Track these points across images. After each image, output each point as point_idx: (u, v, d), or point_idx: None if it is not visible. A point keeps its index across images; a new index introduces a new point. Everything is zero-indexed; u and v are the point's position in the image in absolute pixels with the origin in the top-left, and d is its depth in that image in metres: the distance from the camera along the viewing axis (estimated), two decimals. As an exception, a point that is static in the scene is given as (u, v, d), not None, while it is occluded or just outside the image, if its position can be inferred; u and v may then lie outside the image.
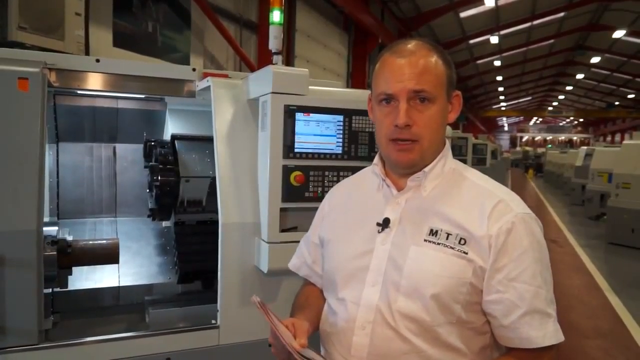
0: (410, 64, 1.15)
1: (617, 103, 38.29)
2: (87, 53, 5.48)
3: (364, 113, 2.11)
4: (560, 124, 62.36)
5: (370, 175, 1.34)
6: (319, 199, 2.09)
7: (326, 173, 2.09)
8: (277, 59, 2.11)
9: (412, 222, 1.18)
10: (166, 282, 2.75)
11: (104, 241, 2.34)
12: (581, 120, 54.39)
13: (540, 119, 61.07)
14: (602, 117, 44.22)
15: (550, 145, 44.21)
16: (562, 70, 32.63)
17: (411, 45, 1.18)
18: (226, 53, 8.76)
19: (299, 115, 2.02)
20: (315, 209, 2.11)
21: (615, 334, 4.76)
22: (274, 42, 2.11)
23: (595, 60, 25.70)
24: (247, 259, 2.15)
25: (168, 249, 2.88)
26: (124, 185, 2.97)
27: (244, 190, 2.18)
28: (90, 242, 2.30)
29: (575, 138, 55.66)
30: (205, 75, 2.42)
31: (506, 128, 66.92)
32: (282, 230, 2.07)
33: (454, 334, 1.13)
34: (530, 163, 34.26)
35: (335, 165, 2.11)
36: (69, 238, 2.26)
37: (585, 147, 15.62)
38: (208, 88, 2.34)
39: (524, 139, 63.23)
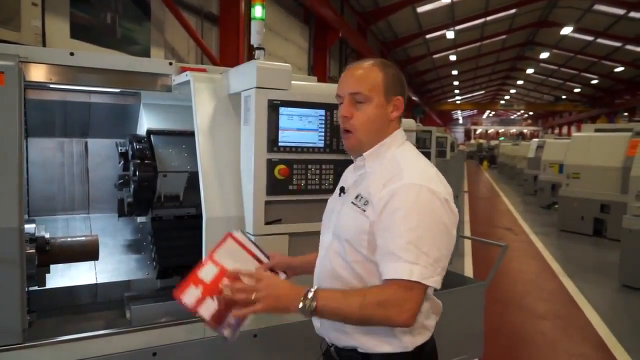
0: (351, 74, 1.53)
1: (564, 97, 39.85)
2: (43, 45, 5.29)
3: (345, 107, 2.16)
4: (512, 117, 64.38)
5: None
6: (303, 191, 2.16)
7: (309, 166, 2.14)
8: (260, 53, 2.13)
9: (353, 190, 1.56)
10: (144, 277, 2.73)
11: (83, 238, 2.31)
12: (531, 113, 56.29)
13: (493, 112, 62.83)
14: (550, 110, 45.88)
15: (502, 138, 45.65)
16: (514, 65, 33.65)
17: (362, 61, 1.56)
18: (187, 45, 8.61)
19: (282, 110, 2.05)
20: (299, 201, 2.17)
21: (571, 315, 5.02)
22: (257, 37, 2.13)
23: (544, 55, 26.64)
24: (230, 253, 2.17)
25: (145, 245, 2.85)
26: (96, 181, 2.92)
27: (226, 184, 2.19)
28: (69, 239, 2.27)
29: (525, 130, 57.60)
30: (183, 69, 2.41)
31: (461, 121, 68.53)
32: (267, 223, 2.10)
33: (364, 268, 1.48)
34: (485, 155, 35.30)
35: (317, 158, 2.15)
36: (47, 235, 2.21)
37: (536, 140, 16.23)
38: (186, 82, 2.33)
39: (478, 132, 64.99)
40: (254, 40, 2.14)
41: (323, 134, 2.15)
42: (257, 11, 2.13)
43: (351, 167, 1.68)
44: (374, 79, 1.51)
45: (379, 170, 1.52)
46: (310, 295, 1.35)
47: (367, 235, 1.45)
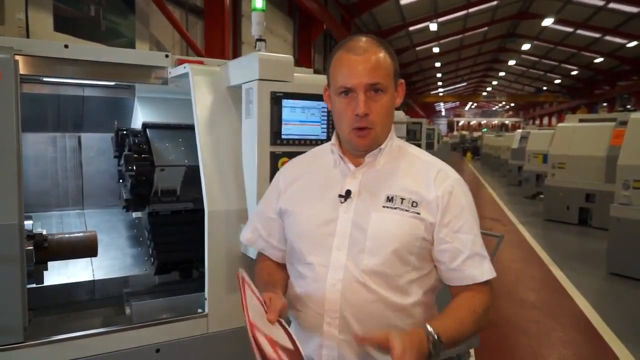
0: (364, 61, 1.31)
1: (545, 88, 40.36)
2: (27, 37, 5.17)
3: (347, 99, 2.14)
4: (494, 109, 64.98)
5: (324, 154, 1.50)
6: (306, 184, 2.14)
7: (312, 159, 2.12)
8: (261, 45, 2.10)
9: (370, 192, 1.37)
10: (142, 273, 2.69)
11: (81, 234, 2.26)
12: (512, 104, 56.87)
13: (475, 104, 63.36)
14: (531, 101, 46.44)
15: (485, 129, 46.04)
16: (496, 57, 33.93)
17: (362, 42, 1.34)
18: (172, 38, 8.50)
19: (285, 102, 2.03)
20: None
21: (562, 303, 5.10)
22: (257, 28, 2.10)
23: (525, 47, 26.89)
24: (233, 246, 2.15)
25: (141, 240, 2.82)
26: (90, 176, 2.87)
27: (228, 178, 2.17)
28: (67, 235, 2.22)
29: (507, 122, 58.16)
30: (181, 62, 2.37)
31: (443, 113, 68.94)
32: (270, 216, 2.08)
33: (410, 280, 1.35)
34: (468, 146, 35.57)
35: (320, 150, 2.13)
36: (44, 232, 2.17)
37: (520, 131, 16.41)
38: (183, 75, 2.30)
39: (460, 124, 65.45)
40: (255, 32, 2.11)
41: (325, 126, 2.14)
42: (258, 2, 2.10)
43: (327, 163, 1.46)
44: (387, 63, 1.33)
45: (400, 166, 1.39)
46: (433, 335, 1.19)
47: (420, 241, 1.32)
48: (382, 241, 1.31)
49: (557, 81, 36.55)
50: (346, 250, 1.33)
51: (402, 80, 1.42)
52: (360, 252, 1.32)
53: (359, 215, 1.34)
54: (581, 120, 9.66)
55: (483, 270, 1.34)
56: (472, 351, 3.53)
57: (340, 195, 1.37)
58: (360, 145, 1.36)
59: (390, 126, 1.41)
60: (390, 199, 1.34)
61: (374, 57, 1.31)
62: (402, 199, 1.33)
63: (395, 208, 1.33)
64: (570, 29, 22.88)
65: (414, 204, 1.33)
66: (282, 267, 1.54)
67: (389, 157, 1.41)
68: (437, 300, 1.48)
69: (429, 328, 1.20)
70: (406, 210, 1.32)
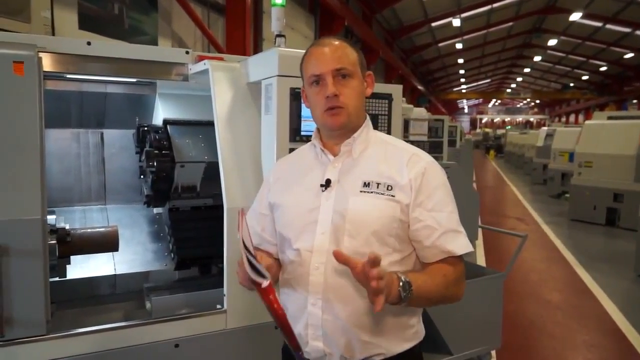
0: (331, 51, 1.43)
1: (571, 84, 39.51)
2: (52, 35, 5.27)
3: (367, 95, 2.12)
4: (518, 106, 63.96)
5: (308, 151, 1.59)
6: (325, 181, 2.12)
7: (331, 156, 2.10)
8: (280, 41, 2.09)
9: (348, 179, 1.45)
10: (162, 269, 2.71)
11: (103, 229, 2.29)
12: (537, 101, 55.88)
13: (499, 101, 62.45)
14: (557, 98, 45.56)
15: (509, 127, 45.36)
16: (520, 53, 33.36)
17: (330, 39, 1.48)
18: (194, 36, 8.58)
19: (304, 98, 2.01)
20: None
21: (587, 305, 4.99)
22: (277, 24, 2.09)
23: (552, 42, 26.33)
24: (252, 243, 2.15)
25: (162, 236, 2.84)
26: (112, 172, 2.91)
27: (247, 174, 2.17)
28: (89, 230, 2.25)
29: (532, 119, 57.16)
30: (201, 58, 2.37)
31: (466, 110, 68.16)
32: (289, 213, 2.07)
33: (391, 262, 1.40)
34: (491, 144, 35.05)
35: (339, 147, 2.11)
36: (66, 227, 2.20)
37: (545, 128, 16.08)
38: (203, 71, 2.31)
39: (484, 121, 64.57)
40: (274, 27, 2.09)
41: (345, 122, 2.11)
42: (278, -3, 2.08)
43: (310, 157, 1.54)
44: (351, 54, 1.46)
45: (375, 154, 1.47)
46: (406, 282, 1.25)
47: (397, 223, 1.39)
48: (361, 223, 1.39)
49: (585, 77, 35.72)
50: (329, 235, 1.40)
51: (371, 72, 1.52)
52: (342, 235, 1.39)
53: (339, 202, 1.42)
54: (610, 118, 9.43)
55: (457, 245, 1.41)
56: (493, 352, 3.47)
57: (321, 185, 1.46)
58: (334, 123, 1.43)
59: (362, 111, 1.50)
60: (366, 184, 1.42)
61: (340, 49, 1.44)
62: (378, 184, 1.41)
63: (372, 192, 1.41)
64: (599, 24, 22.32)
65: (389, 188, 1.41)
66: (275, 259, 1.59)
67: (364, 146, 1.49)
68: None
69: (400, 274, 1.27)
70: (382, 194, 1.40)
